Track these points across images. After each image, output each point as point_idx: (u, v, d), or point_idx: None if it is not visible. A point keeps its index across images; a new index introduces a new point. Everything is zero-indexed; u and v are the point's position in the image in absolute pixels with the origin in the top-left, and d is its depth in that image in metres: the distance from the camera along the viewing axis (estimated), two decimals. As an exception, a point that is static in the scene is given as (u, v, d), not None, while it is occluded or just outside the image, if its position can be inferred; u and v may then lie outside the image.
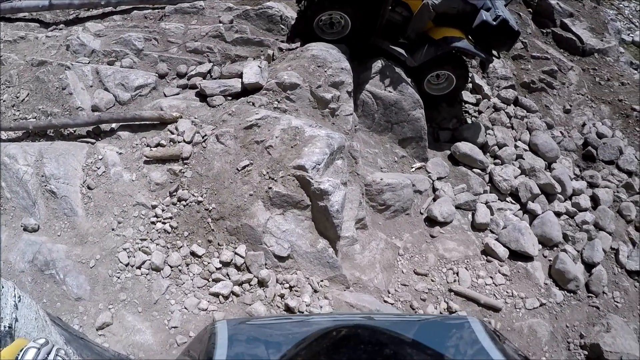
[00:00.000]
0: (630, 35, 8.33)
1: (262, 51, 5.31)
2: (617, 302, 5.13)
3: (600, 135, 6.27)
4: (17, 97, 5.05)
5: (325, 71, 4.84)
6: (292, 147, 4.18)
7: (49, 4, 5.84)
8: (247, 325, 2.51)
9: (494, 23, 5.23)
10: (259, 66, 4.85)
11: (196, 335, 3.07)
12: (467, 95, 6.01)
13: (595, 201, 5.73)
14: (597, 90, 6.87)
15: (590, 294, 5.11)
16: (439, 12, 5.21)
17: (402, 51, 5.39)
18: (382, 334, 2.24)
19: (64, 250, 3.89)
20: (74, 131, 4.72)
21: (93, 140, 4.65)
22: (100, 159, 4.39)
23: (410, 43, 5.44)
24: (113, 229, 4.08)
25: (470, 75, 6.06)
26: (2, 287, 2.20)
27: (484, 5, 5.36)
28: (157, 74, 5.16)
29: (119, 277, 3.87)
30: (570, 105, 6.49)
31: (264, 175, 4.11)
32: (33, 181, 4.20)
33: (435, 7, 5.16)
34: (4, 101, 5.07)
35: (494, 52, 5.56)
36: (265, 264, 3.94)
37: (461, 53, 5.57)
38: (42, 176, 4.21)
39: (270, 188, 4.04)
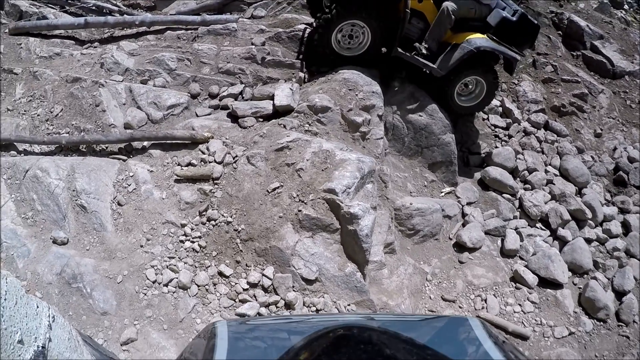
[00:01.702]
0: (661, 57, 8.19)
1: (293, 73, 5.34)
2: (648, 331, 5.00)
3: (631, 160, 6.15)
4: (51, 112, 5.16)
5: (357, 94, 4.85)
6: (322, 170, 4.18)
7: (84, 22, 5.98)
8: (247, 326, 2.51)
9: (514, 19, 5.16)
10: (290, 88, 4.87)
11: (196, 335, 3.09)
12: (497, 119, 5.95)
13: (626, 227, 5.63)
14: (628, 113, 6.76)
15: (620, 323, 5.00)
16: (458, 16, 5.14)
17: (427, 62, 5.26)
18: (382, 334, 2.22)
19: (91, 265, 3.93)
20: (106, 147, 4.80)
21: (124, 157, 4.71)
22: (131, 176, 4.44)
23: (432, 53, 5.31)
24: (142, 246, 4.11)
25: (501, 99, 6.01)
26: (37, 306, 2.22)
27: (497, 5, 5.26)
28: (189, 94, 5.22)
29: (145, 294, 3.88)
30: (601, 129, 6.39)
31: (294, 197, 4.11)
32: (64, 195, 4.26)
33: (453, 11, 5.07)
34: (38, 115, 5.18)
35: (519, 50, 5.41)
36: (293, 287, 3.92)
37: (487, 57, 5.40)
38: (74, 190, 4.27)
39: (300, 211, 4.04)
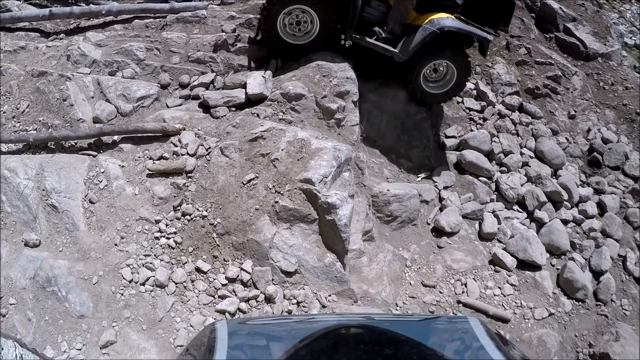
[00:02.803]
0: (633, 38, 8.28)
1: (265, 60, 5.23)
2: (626, 310, 5.09)
3: (605, 141, 6.22)
4: (18, 109, 4.99)
5: (331, 81, 4.78)
6: (298, 159, 4.12)
7: (49, 14, 5.78)
8: (247, 325, 2.52)
9: None
10: (262, 76, 4.79)
11: (196, 335, 3.04)
12: (471, 102, 5.95)
13: (602, 208, 5.69)
14: (601, 95, 6.83)
15: (598, 303, 5.07)
16: None
17: (387, 46, 4.96)
18: (382, 334, 2.23)
19: (65, 266, 3.83)
20: (75, 143, 4.66)
21: (95, 153, 4.58)
22: (102, 172, 4.33)
23: (395, 37, 5.02)
24: (116, 244, 4.02)
25: (475, 82, 5.99)
26: (2, 348, 2.14)
27: None
28: (159, 85, 5.09)
29: (122, 294, 3.81)
30: (575, 111, 6.45)
31: (270, 189, 4.05)
32: (34, 195, 4.13)
33: None
34: (4, 112, 5.00)
35: (491, 30, 5.11)
36: (272, 280, 3.88)
37: (457, 39, 5.08)
38: (43, 190, 4.14)
39: (276, 202, 3.98)
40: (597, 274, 5.21)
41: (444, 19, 4.83)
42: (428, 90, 5.37)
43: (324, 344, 2.11)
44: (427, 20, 4.85)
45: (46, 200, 4.12)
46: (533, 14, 7.18)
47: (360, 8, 4.86)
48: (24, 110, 4.95)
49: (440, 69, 5.33)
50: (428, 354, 2.07)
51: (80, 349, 3.54)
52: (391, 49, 4.97)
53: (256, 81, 4.74)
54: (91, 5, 6.11)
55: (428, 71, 5.29)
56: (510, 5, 5.09)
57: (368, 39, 4.93)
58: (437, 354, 2.09)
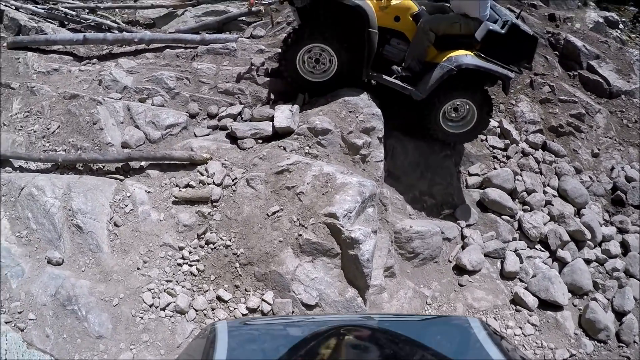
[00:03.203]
0: (657, 76, 8.25)
1: (293, 95, 5.30)
2: (648, 351, 4.98)
3: (629, 179, 6.17)
4: (48, 129, 5.11)
5: (357, 117, 4.82)
6: (323, 194, 4.14)
7: (83, 38, 5.96)
8: (247, 326, 2.51)
9: (503, 31, 4.64)
10: (290, 110, 4.85)
11: (196, 335, 3.06)
12: (495, 140, 5.95)
13: (625, 247, 5.62)
14: (625, 133, 6.79)
15: (620, 344, 4.97)
16: (439, 32, 4.73)
17: (405, 84, 4.89)
18: (382, 334, 2.22)
19: (87, 286, 3.86)
20: (103, 167, 4.75)
21: (122, 177, 4.66)
22: (129, 197, 4.39)
23: (414, 75, 4.92)
24: (138, 268, 4.05)
25: (499, 120, 6.00)
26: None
27: (489, 18, 4.81)
28: (188, 114, 5.19)
29: (142, 318, 3.82)
30: (599, 149, 6.42)
31: (295, 221, 4.07)
32: (60, 214, 4.19)
33: (432, 27, 4.68)
34: (34, 132, 5.13)
35: (514, 67, 4.93)
36: (293, 312, 3.86)
37: (477, 77, 4.94)
38: (69, 210, 4.21)
39: (300, 235, 3.99)
40: (619, 315, 5.12)
41: (462, 57, 4.72)
42: (447, 129, 5.26)
43: (324, 344, 2.08)
44: (445, 58, 4.76)
45: (71, 220, 4.18)
46: (556, 52, 7.20)
47: (381, 46, 4.89)
48: (54, 131, 5.08)
49: (461, 108, 5.20)
50: (428, 354, 2.05)
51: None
52: (408, 87, 4.90)
53: (284, 114, 4.80)
54: (124, 32, 6.30)
55: (448, 110, 5.18)
56: (533, 41, 4.89)
57: (385, 77, 4.92)
58: (437, 354, 2.06)
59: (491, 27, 4.63)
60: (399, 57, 4.96)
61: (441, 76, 4.75)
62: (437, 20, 4.76)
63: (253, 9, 6.38)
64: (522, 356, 2.22)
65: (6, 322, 3.62)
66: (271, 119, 4.87)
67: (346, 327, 2.31)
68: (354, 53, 4.85)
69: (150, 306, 3.87)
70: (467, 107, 5.17)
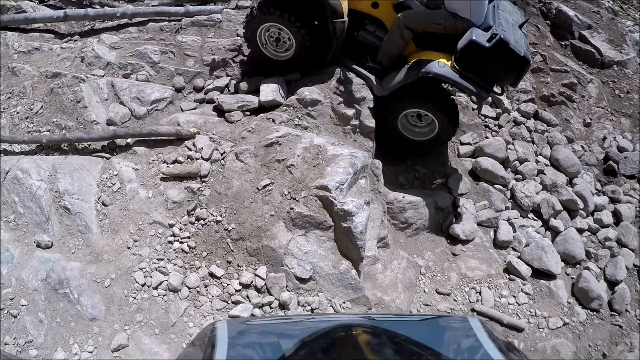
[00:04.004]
0: (649, 45, 8.21)
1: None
2: (641, 320, 5.01)
3: (621, 149, 6.14)
4: (31, 110, 5.00)
5: (347, 87, 4.73)
6: (314, 166, 4.09)
7: (63, 15, 5.80)
8: (247, 325, 2.52)
9: (487, 45, 3.93)
10: (276, 83, 4.76)
11: (196, 335, 3.05)
12: (487, 109, 5.89)
13: (617, 217, 5.60)
14: (617, 103, 6.76)
15: (613, 313, 4.99)
16: (417, 30, 4.28)
17: (371, 76, 4.59)
18: (382, 334, 2.22)
19: (78, 269, 3.82)
20: (89, 145, 4.66)
21: (108, 155, 4.58)
22: (116, 175, 4.32)
23: (384, 68, 4.60)
24: (129, 248, 4.00)
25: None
26: None
27: (483, 24, 4.15)
28: (173, 88, 5.08)
29: (135, 298, 3.79)
30: (591, 119, 6.38)
31: (286, 195, 4.02)
32: (46, 197, 4.13)
33: (409, 24, 4.24)
34: (17, 113, 5.03)
35: (496, 87, 4.37)
36: (287, 286, 3.84)
37: (449, 85, 4.56)
38: (56, 192, 4.14)
39: (292, 208, 3.95)
40: (612, 284, 5.12)
41: (433, 63, 4.19)
42: (405, 134, 4.92)
43: (324, 344, 2.10)
44: (416, 59, 4.36)
45: (59, 202, 4.11)
46: (548, 21, 7.11)
47: (356, 30, 4.68)
48: (38, 111, 4.97)
49: (424, 116, 4.78)
50: (428, 354, 2.06)
51: (91, 352, 3.52)
52: (373, 79, 4.62)
53: (269, 88, 4.70)
54: (106, 7, 6.12)
55: (410, 115, 4.81)
56: (522, 63, 4.09)
57: (350, 63, 4.70)
58: (437, 354, 2.07)
59: (474, 38, 3.97)
60: (375, 44, 4.66)
61: (405, 78, 4.37)
62: (417, 17, 4.28)
63: None
64: (521, 356, 2.22)
65: (-1, 310, 3.59)
66: (258, 91, 4.77)
67: (346, 327, 2.33)
68: (316, 35, 4.59)
69: (143, 285, 3.83)
70: (430, 117, 4.74)
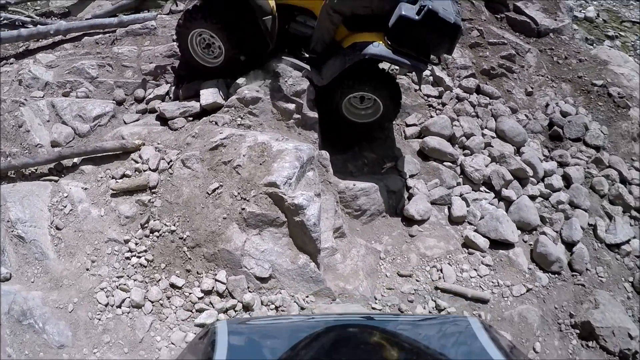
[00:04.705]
0: (582, 11, 8.46)
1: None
2: (601, 277, 5.19)
3: (564, 114, 6.32)
4: (-29, 139, 4.87)
5: (286, 81, 4.73)
6: (260, 164, 4.11)
7: (-5, 38, 5.63)
8: (247, 325, 2.53)
9: (417, 17, 3.99)
10: (215, 86, 4.76)
11: (196, 335, 3.05)
12: (429, 89, 5.98)
13: (567, 180, 5.77)
14: (556, 69, 6.95)
15: (574, 273, 5.15)
16: (346, 14, 4.27)
17: (308, 67, 4.60)
18: (382, 334, 2.24)
19: (39, 297, 3.75)
20: (36, 170, 4.56)
21: (56, 178, 4.49)
22: (66, 197, 4.25)
23: (319, 57, 4.59)
24: (87, 269, 3.95)
25: (430, 68, 6.00)
26: None
27: None
28: (114, 101, 5.02)
29: (99, 319, 3.74)
30: (532, 88, 6.56)
31: (236, 196, 4.03)
32: (-1, 227, 4.04)
33: (336, 8, 4.21)
34: (-43, 145, 4.88)
35: (433, 57, 4.43)
36: (248, 288, 3.87)
37: (383, 65, 4.67)
38: (8, 221, 4.04)
39: (243, 209, 3.96)
40: (569, 245, 5.29)
41: (368, 45, 4.23)
42: (351, 118, 4.98)
43: (324, 344, 2.12)
44: (350, 43, 4.38)
45: (12, 231, 4.02)
46: (482, -4, 7.27)
47: (286, 23, 4.67)
48: (-21, 141, 4.83)
49: (367, 99, 4.84)
50: (428, 354, 2.08)
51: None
52: (308, 69, 4.63)
53: (209, 91, 4.71)
54: (38, 26, 5.97)
55: (354, 99, 4.85)
56: (454, 30, 4.14)
57: (288, 58, 4.68)
58: (437, 354, 2.10)
59: (403, 13, 4.04)
60: (307, 34, 4.64)
61: (342, 64, 4.42)
62: (344, 1, 4.22)
63: None
64: (521, 356, 2.26)
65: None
66: (198, 95, 4.76)
67: (346, 326, 2.35)
68: (244, 39, 4.61)
69: (106, 305, 3.79)
70: (373, 98, 4.81)
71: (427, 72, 6.01)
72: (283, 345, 2.07)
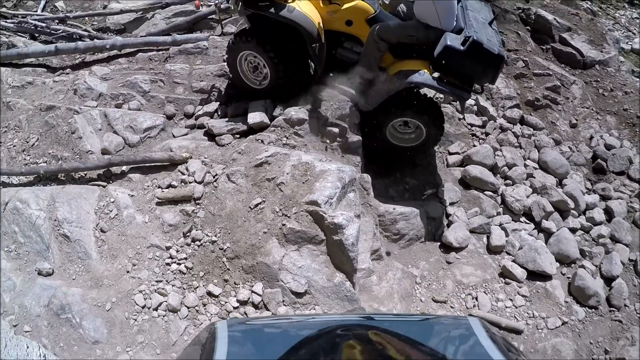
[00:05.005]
0: (629, 43, 8.32)
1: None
2: (640, 313, 5.04)
3: (608, 147, 6.22)
4: (27, 142, 5.12)
5: (332, 104, 4.85)
6: (303, 182, 4.18)
7: (55, 49, 5.94)
8: (247, 326, 2.55)
9: (462, 48, 4.07)
10: (262, 105, 4.89)
11: (196, 335, 3.07)
12: (472, 118, 5.99)
13: (609, 214, 5.65)
14: (601, 102, 6.86)
15: (612, 308, 5.01)
16: (391, 41, 4.35)
17: (353, 92, 4.69)
18: (382, 334, 2.24)
19: (79, 294, 3.90)
20: (85, 175, 4.77)
21: (104, 184, 4.68)
22: (112, 202, 4.41)
23: (366, 83, 4.65)
24: (128, 272, 4.09)
25: (475, 97, 6.02)
26: (27, 347, 2.21)
27: (455, 27, 4.30)
28: (164, 115, 5.21)
29: (135, 320, 3.86)
30: (576, 120, 6.48)
31: (277, 212, 4.10)
32: (46, 225, 4.21)
33: (383, 36, 4.30)
34: (14, 146, 5.14)
35: (477, 86, 4.51)
36: (283, 301, 3.91)
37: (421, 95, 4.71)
38: (55, 220, 4.23)
39: (284, 225, 4.03)
40: (608, 280, 5.15)
41: (413, 73, 4.34)
42: (395, 143, 5.05)
43: (324, 344, 2.11)
44: (396, 71, 4.46)
45: (58, 230, 4.20)
46: (528, 27, 7.26)
47: (334, 49, 4.76)
48: (34, 144, 5.08)
49: (411, 123, 4.92)
50: (428, 354, 2.08)
51: (97, 376, 3.58)
52: (356, 95, 4.73)
53: (257, 110, 4.84)
54: (95, 40, 6.27)
55: (397, 123, 4.94)
56: (498, 61, 4.21)
57: (332, 83, 4.77)
58: (437, 354, 2.09)
59: (448, 44, 4.11)
60: (354, 60, 4.72)
61: (389, 92, 4.53)
62: (390, 29, 4.34)
63: (199, 9, 6.37)
64: (521, 356, 2.24)
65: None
66: (246, 113, 4.88)
67: (346, 327, 2.35)
68: (290, 64, 4.72)
69: (143, 307, 3.91)
70: (417, 124, 4.90)
71: (471, 102, 6.03)
72: (283, 345, 2.06)
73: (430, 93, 5.15)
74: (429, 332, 2.43)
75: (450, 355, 2.10)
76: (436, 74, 4.35)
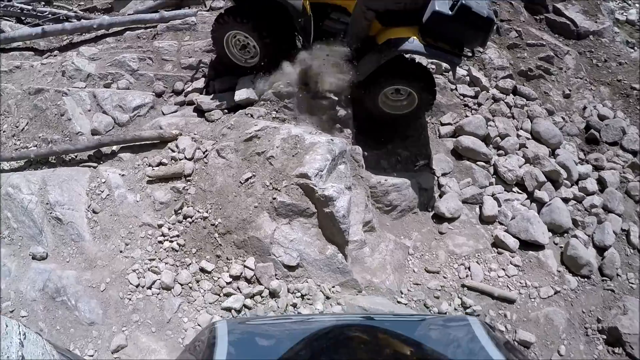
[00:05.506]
0: (624, 14, 8.25)
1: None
2: (632, 283, 5.07)
3: (602, 117, 6.21)
4: (17, 127, 5.08)
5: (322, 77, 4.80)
6: (293, 155, 4.17)
7: (42, 32, 5.88)
8: (247, 325, 2.55)
9: (450, 13, 4.08)
10: (251, 80, 4.85)
11: (196, 335, 3.09)
12: (465, 89, 5.94)
13: (602, 184, 5.67)
14: (595, 72, 6.82)
15: (604, 278, 5.05)
16: (379, 10, 4.29)
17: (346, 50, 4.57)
18: (382, 334, 2.24)
19: (73, 276, 3.92)
20: (76, 156, 4.75)
21: (95, 164, 4.67)
22: (104, 182, 4.41)
23: (357, 52, 4.59)
24: (121, 251, 4.11)
25: (467, 68, 5.98)
26: (7, 325, 2.20)
27: None
28: (154, 93, 5.19)
29: (130, 299, 3.89)
30: (570, 90, 6.44)
31: (268, 186, 4.10)
32: (38, 209, 4.21)
33: (370, 5, 4.24)
34: (4, 131, 5.10)
35: (467, 50, 4.47)
36: (275, 275, 3.93)
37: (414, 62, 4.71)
38: (47, 204, 4.23)
39: (274, 198, 4.03)
40: (601, 250, 5.19)
41: (403, 41, 4.30)
42: (388, 111, 5.05)
43: (324, 344, 2.12)
44: (385, 39, 4.41)
45: (50, 213, 4.20)
46: (522, -3, 7.18)
47: (321, 20, 4.70)
48: (24, 128, 5.05)
49: (402, 90, 4.91)
50: (428, 354, 2.08)
51: (92, 355, 3.62)
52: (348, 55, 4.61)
53: (244, 86, 4.80)
54: (82, 20, 6.20)
55: (390, 92, 4.93)
56: (487, 24, 4.18)
57: (323, 54, 4.64)
58: (437, 354, 2.09)
59: (436, 9, 4.11)
60: (342, 30, 4.65)
61: (379, 61, 4.49)
62: None
63: None
64: (521, 355, 2.24)
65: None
66: (234, 88, 4.85)
67: (346, 326, 2.36)
68: (280, 42, 4.70)
69: (137, 286, 3.93)
70: (409, 91, 4.89)
71: (463, 72, 6.01)
72: (283, 345, 2.07)
73: (424, 61, 5.10)
74: (429, 332, 2.44)
75: (450, 355, 2.10)
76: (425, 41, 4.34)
